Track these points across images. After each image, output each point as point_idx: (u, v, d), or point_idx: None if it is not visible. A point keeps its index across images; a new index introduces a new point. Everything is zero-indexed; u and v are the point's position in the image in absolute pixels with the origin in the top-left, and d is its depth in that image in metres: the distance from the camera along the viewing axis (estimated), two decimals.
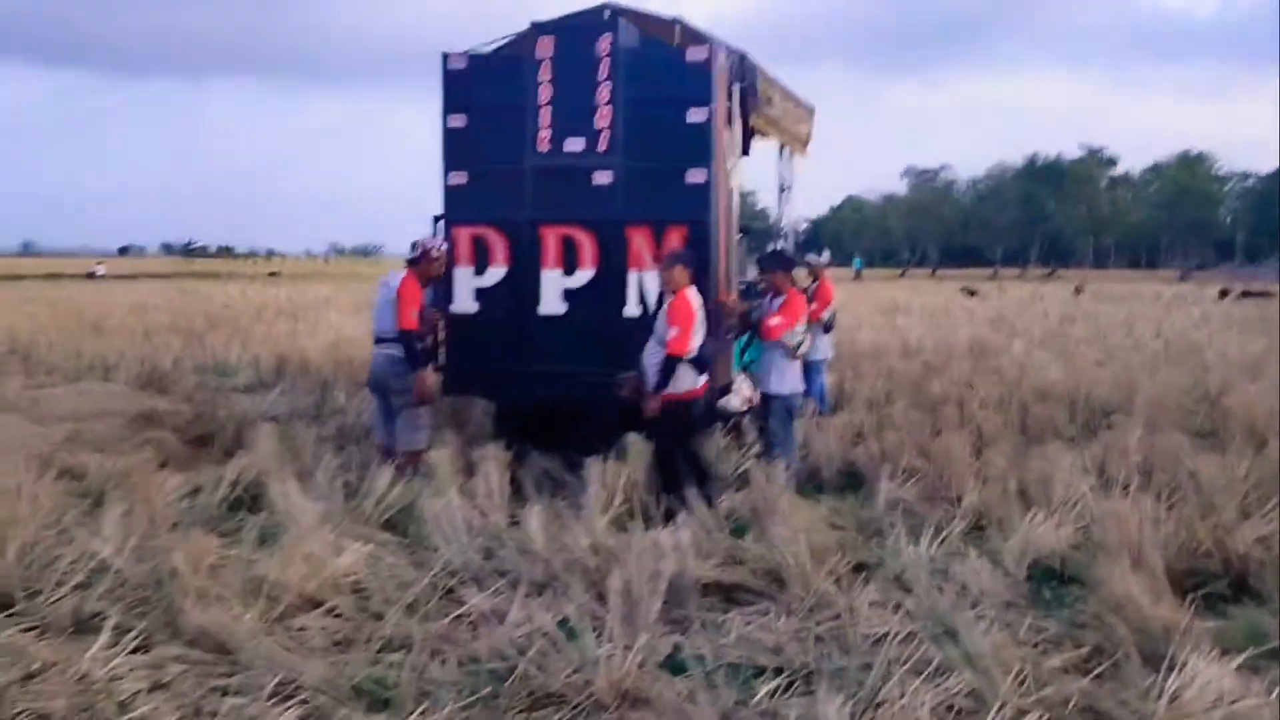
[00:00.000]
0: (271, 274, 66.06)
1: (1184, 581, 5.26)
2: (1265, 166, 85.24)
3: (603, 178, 7.54)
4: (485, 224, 7.75)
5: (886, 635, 4.73)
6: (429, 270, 7.37)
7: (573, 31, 7.64)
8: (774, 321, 7.49)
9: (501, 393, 7.95)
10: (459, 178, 7.85)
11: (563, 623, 4.73)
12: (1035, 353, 14.80)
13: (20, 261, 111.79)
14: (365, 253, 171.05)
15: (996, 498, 6.68)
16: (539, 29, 7.68)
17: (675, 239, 7.35)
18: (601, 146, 7.54)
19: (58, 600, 4.86)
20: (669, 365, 6.63)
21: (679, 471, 6.61)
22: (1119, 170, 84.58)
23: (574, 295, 7.62)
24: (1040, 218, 77.96)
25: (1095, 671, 4.33)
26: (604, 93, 7.50)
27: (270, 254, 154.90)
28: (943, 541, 6.02)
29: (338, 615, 4.86)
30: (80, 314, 21.55)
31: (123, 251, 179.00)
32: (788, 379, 7.62)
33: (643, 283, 7.46)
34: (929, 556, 5.71)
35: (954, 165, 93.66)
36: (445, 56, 7.84)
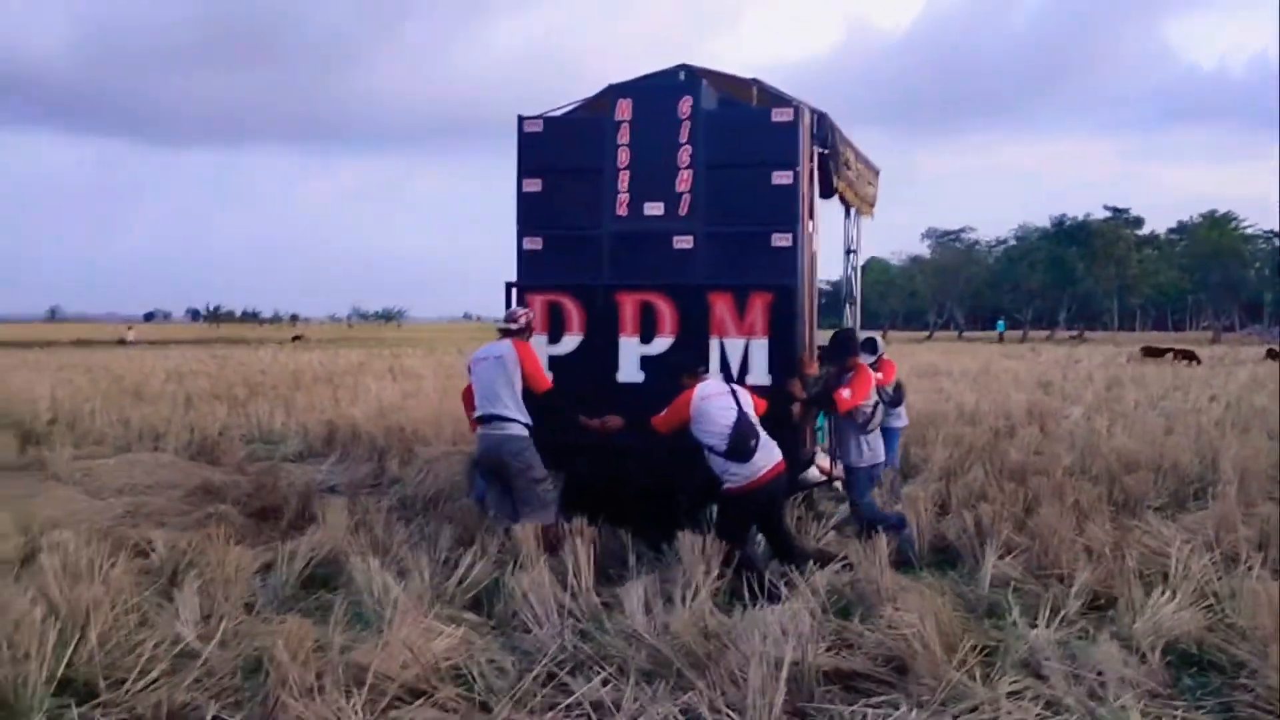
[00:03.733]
0: (295, 338, 66.10)
1: None
2: None
3: (683, 242, 7.34)
4: (560, 290, 7.53)
5: None
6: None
7: (652, 93, 7.48)
8: (845, 394, 7.23)
9: (575, 465, 7.60)
10: (534, 243, 7.66)
11: (685, 713, 4.41)
12: (1095, 418, 14.42)
13: (48, 327, 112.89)
14: (388, 317, 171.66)
15: (1110, 575, 6.34)
16: (617, 91, 7.53)
17: (759, 305, 7.11)
18: (682, 210, 7.34)
19: (145, 689, 4.56)
20: None
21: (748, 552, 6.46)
22: (1145, 231, 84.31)
23: (653, 363, 7.36)
24: (1069, 279, 77.59)
25: None
26: (684, 155, 7.32)
27: (294, 318, 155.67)
28: (1063, 622, 5.66)
29: (443, 707, 4.53)
30: (119, 380, 21.44)
31: (148, 317, 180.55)
32: (865, 451, 7.38)
33: (725, 350, 7.20)
34: (1055, 639, 5.36)
35: (975, 227, 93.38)
36: (521, 119, 7.69)
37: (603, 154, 7.48)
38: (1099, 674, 4.99)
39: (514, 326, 7.10)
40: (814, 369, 7.48)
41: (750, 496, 6.52)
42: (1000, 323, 76.32)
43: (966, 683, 4.78)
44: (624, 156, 7.45)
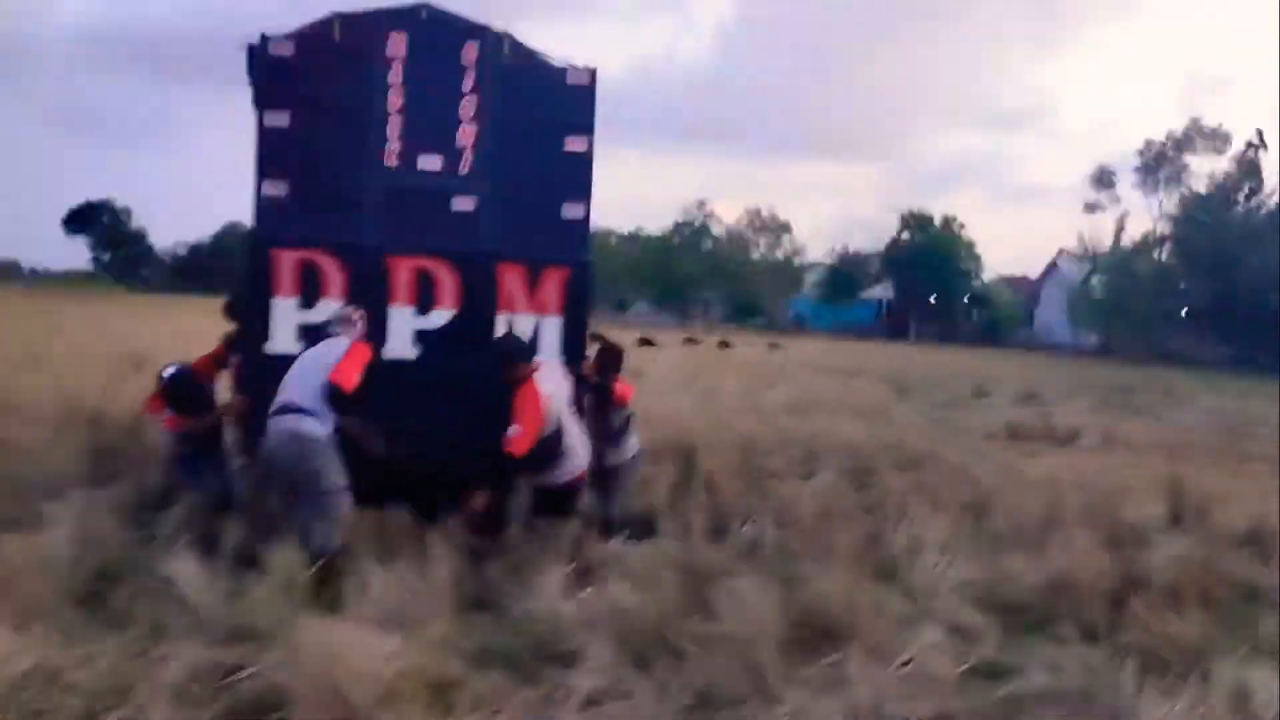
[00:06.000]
0: None
1: None
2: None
3: (464, 203, 6.62)
4: (316, 248, 6.40)
5: None
6: None
7: (433, 31, 6.61)
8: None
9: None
10: (277, 187, 6.42)
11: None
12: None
13: None
14: None
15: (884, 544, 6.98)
16: (380, 21, 6.55)
17: (554, 280, 6.64)
18: (464, 167, 6.61)
19: None
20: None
21: None
22: None
23: (429, 338, 6.55)
24: None
25: None
26: (469, 106, 6.60)
27: None
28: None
29: None
30: None
31: None
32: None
33: (513, 327, 6.60)
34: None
35: None
36: (265, 39, 6.39)
37: (370, 92, 6.48)
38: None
39: (353, 331, 6.04)
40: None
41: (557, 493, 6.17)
42: None
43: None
44: (395, 99, 6.52)
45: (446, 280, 6.54)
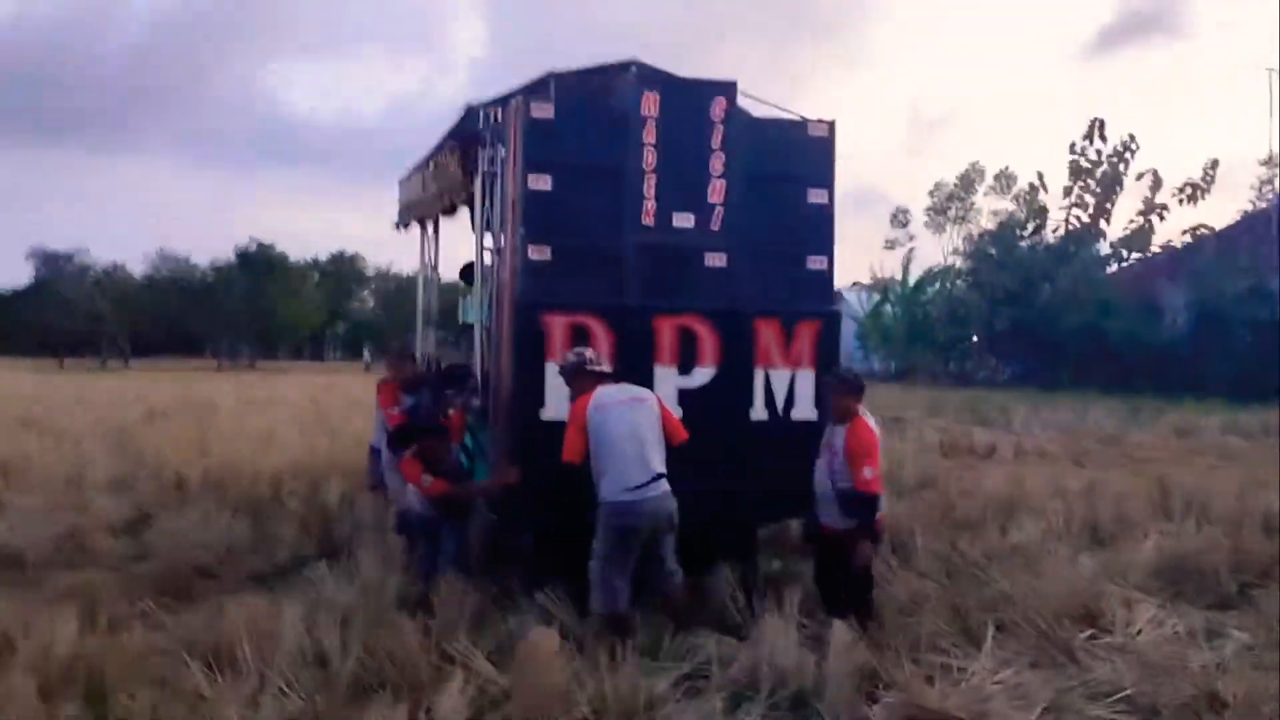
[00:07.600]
0: None
1: None
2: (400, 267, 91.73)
3: (716, 260, 6.52)
4: (585, 311, 6.16)
5: None
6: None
7: (682, 90, 6.52)
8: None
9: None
10: (542, 252, 6.16)
11: None
12: None
13: None
14: None
15: None
16: (640, 83, 6.43)
17: (806, 334, 6.62)
18: (715, 224, 6.52)
19: None
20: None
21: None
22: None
23: (691, 397, 6.39)
24: (271, 310, 75.22)
25: None
26: (717, 163, 6.53)
27: None
28: None
29: None
30: None
31: None
32: None
33: (770, 382, 6.56)
34: None
35: (89, 249, 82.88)
36: (526, 102, 6.14)
37: (626, 152, 6.31)
38: None
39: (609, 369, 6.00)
40: None
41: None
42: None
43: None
44: (650, 158, 6.37)
45: (706, 338, 6.42)
